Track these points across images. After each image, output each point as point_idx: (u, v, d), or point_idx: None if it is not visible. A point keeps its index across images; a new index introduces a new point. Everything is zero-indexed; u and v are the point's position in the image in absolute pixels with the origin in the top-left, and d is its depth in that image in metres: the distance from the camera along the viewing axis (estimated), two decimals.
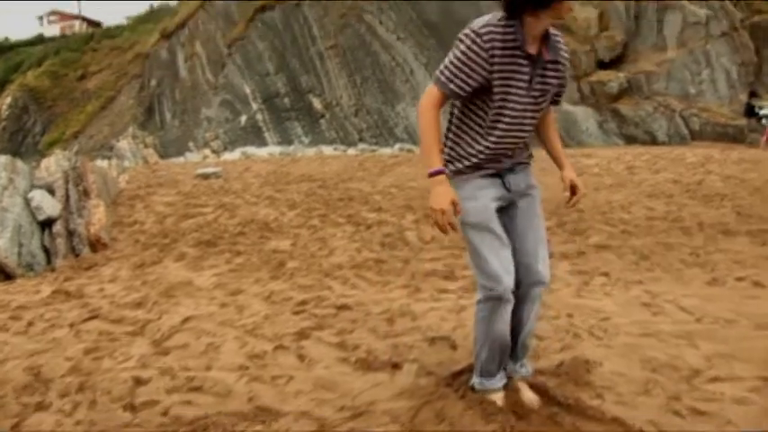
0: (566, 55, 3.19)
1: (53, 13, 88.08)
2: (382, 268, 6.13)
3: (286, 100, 31.47)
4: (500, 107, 3.04)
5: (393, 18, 28.49)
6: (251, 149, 24.20)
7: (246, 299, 5.29)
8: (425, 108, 3.05)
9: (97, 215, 7.91)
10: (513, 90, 3.02)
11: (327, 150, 22.31)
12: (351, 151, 21.46)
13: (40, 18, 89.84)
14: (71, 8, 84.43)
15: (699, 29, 24.02)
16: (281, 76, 31.89)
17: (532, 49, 3.03)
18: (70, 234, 7.55)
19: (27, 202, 7.54)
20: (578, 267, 6.10)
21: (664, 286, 5.41)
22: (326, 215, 8.59)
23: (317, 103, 30.45)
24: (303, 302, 5.09)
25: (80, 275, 6.61)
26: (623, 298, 5.09)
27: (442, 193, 2.95)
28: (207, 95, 35.93)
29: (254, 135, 31.14)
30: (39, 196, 7.62)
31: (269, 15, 32.70)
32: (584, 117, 23.56)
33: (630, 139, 22.84)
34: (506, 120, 3.07)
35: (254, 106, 32.31)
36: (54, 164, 8.68)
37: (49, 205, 7.58)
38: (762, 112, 22.40)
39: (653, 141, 22.29)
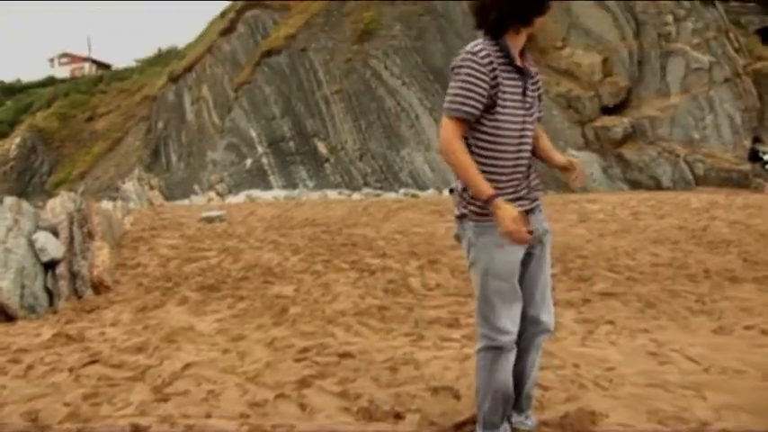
0: (535, 71, 3.26)
1: (64, 55, 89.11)
2: (385, 315, 6.08)
3: (291, 144, 31.64)
4: (502, 122, 3.08)
5: (398, 63, 28.76)
6: (256, 193, 24.28)
7: (248, 345, 5.24)
8: (448, 141, 3.05)
9: (101, 257, 7.89)
10: (510, 103, 3.08)
11: (332, 194, 22.36)
12: (355, 196, 21.49)
13: (51, 60, 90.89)
14: (82, 50, 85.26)
15: (702, 75, 24.20)
16: (286, 119, 32.11)
17: (519, 63, 3.13)
18: (73, 276, 7.52)
19: (31, 243, 7.52)
20: (583, 315, 6.05)
21: (670, 335, 5.36)
22: (330, 260, 8.55)
23: (322, 148, 30.60)
24: (305, 350, 5.04)
25: (82, 318, 6.57)
26: (629, 347, 5.04)
27: (509, 214, 2.93)
28: (213, 138, 36.15)
29: (259, 178, 31.25)
30: (43, 238, 7.60)
31: (275, 60, 33.03)
32: (589, 162, 23.60)
33: (635, 185, 22.86)
34: (510, 135, 3.10)
35: (260, 150, 32.47)
36: (59, 205, 8.68)
37: (53, 247, 7.56)
38: (766, 158, 22.44)
39: (657, 186, 22.31)
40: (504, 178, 3.11)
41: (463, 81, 3.04)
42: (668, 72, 24.54)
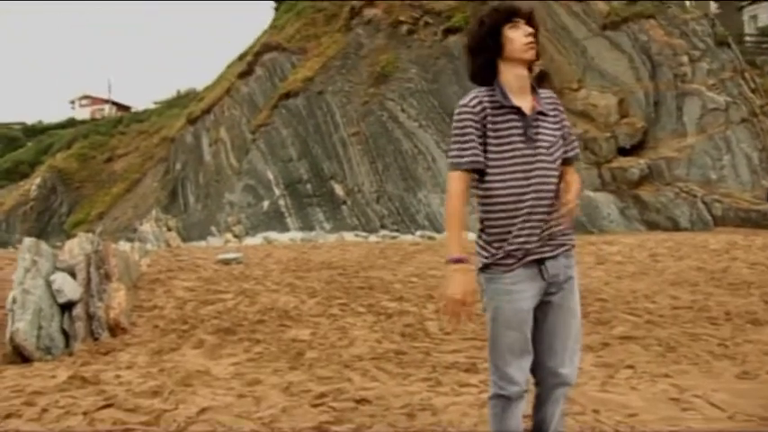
0: (552, 108, 3.18)
1: (84, 97, 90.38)
2: (403, 360, 6.03)
3: (308, 186, 31.73)
4: (502, 167, 3.03)
5: (415, 106, 28.91)
6: (273, 234, 24.30)
7: (264, 390, 5.20)
8: (448, 195, 3.11)
9: (117, 299, 7.89)
10: (509, 147, 3.03)
11: (349, 236, 22.33)
12: (372, 238, 21.45)
13: (72, 102, 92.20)
14: (102, 92, 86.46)
15: (718, 115, 24.16)
16: (303, 162, 32.25)
17: (519, 102, 3.06)
18: (90, 318, 7.51)
19: (49, 284, 7.53)
20: (603, 359, 5.97)
21: (692, 380, 5.27)
22: (347, 304, 8.51)
23: (338, 190, 30.66)
24: (322, 395, 4.99)
25: (97, 360, 6.55)
26: (650, 392, 4.96)
27: (460, 282, 2.94)
28: (230, 180, 36.33)
29: (276, 220, 31.30)
30: (60, 279, 7.62)
31: (293, 102, 33.28)
32: (606, 203, 23.52)
33: (652, 226, 22.71)
34: (513, 178, 3.03)
35: (277, 192, 32.58)
36: (77, 246, 8.70)
37: (71, 288, 7.57)
38: None
39: (675, 227, 22.14)
40: (515, 223, 3.04)
41: (457, 133, 3.06)
42: (684, 113, 24.52)
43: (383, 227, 27.85)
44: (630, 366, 5.71)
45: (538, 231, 3.07)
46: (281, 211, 31.95)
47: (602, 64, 25.45)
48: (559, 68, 26.03)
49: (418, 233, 23.45)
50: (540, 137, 3.07)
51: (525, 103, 3.09)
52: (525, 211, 3.04)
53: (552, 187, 3.09)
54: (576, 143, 3.27)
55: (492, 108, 3.05)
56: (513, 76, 3.11)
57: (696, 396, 4.79)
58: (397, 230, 26.31)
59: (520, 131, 3.04)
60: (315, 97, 32.52)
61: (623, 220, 23.26)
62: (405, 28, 30.63)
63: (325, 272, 11.06)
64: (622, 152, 24.45)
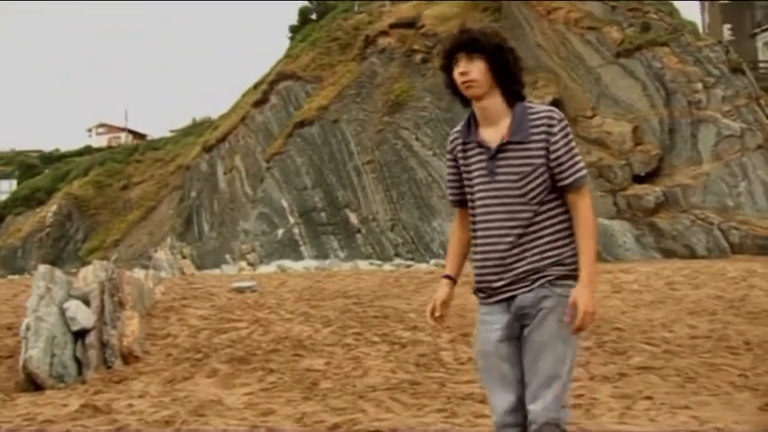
0: (539, 132, 2.95)
1: (101, 125, 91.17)
2: (417, 390, 5.96)
3: (323, 214, 31.76)
4: (473, 205, 3.01)
5: (429, 134, 28.97)
6: (287, 263, 24.29)
7: (277, 420, 5.14)
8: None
9: (131, 327, 7.87)
10: (476, 180, 2.98)
11: (363, 265, 22.29)
12: (386, 266, 21.40)
13: (89, 130, 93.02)
14: (119, 120, 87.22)
15: (734, 142, 24.04)
16: (318, 190, 32.32)
17: (486, 134, 2.97)
18: (103, 345, 7.50)
19: (62, 311, 7.53)
20: (620, 390, 5.88)
21: (713, 411, 5.17)
22: (361, 333, 8.45)
23: (353, 218, 30.67)
24: (336, 426, 4.93)
25: (110, 389, 6.52)
26: (669, 424, 4.87)
27: (436, 291, 3.26)
28: (245, 208, 36.42)
29: (290, 249, 31.31)
30: (74, 306, 7.62)
31: (307, 131, 33.42)
32: (621, 231, 23.38)
33: (669, 253, 22.52)
34: (480, 218, 2.99)
35: (291, 220, 32.62)
36: (91, 274, 8.70)
37: (84, 316, 7.56)
38: None
39: (692, 255, 21.95)
40: (477, 259, 3.04)
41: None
42: (699, 140, 24.41)
43: (397, 255, 27.79)
44: (649, 397, 5.62)
45: (499, 270, 2.97)
46: (296, 240, 31.96)
47: (617, 91, 25.44)
48: (573, 96, 26.05)
49: (433, 262, 23.37)
50: (504, 170, 2.94)
51: (494, 134, 2.97)
52: (481, 248, 3.01)
53: (522, 222, 2.94)
54: (573, 170, 2.96)
55: (461, 143, 3.04)
56: (477, 109, 3.04)
57: (717, 429, 4.71)
58: (412, 259, 26.24)
59: (482, 165, 2.97)
60: (329, 126, 32.66)
61: (639, 248, 23.10)
62: (419, 57, 30.81)
63: (340, 301, 11.01)
64: (637, 180, 24.35)
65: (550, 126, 2.96)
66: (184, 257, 33.13)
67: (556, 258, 2.96)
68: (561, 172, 2.95)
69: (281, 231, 32.37)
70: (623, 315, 9.54)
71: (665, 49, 25.17)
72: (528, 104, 3.04)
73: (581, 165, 2.97)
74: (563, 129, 2.97)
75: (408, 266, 21.42)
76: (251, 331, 8.61)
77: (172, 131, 70.29)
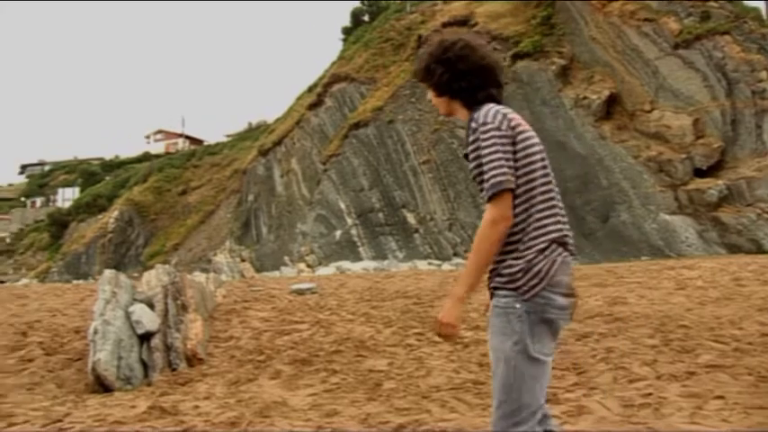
0: (471, 139, 2.97)
1: (159, 132, 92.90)
2: (481, 390, 5.89)
3: (380, 215, 31.85)
4: None
5: None
6: (345, 264, 24.40)
7: (342, 421, 5.13)
8: None
9: (194, 330, 7.95)
10: None
11: (421, 265, 22.25)
12: (445, 266, 21.33)
13: (147, 137, 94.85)
14: (176, 127, 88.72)
15: None
16: (375, 191, 32.40)
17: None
18: (168, 348, 7.59)
19: (128, 315, 7.64)
20: (689, 389, 5.72)
21: None
22: (423, 333, 8.40)
23: (410, 218, 30.69)
24: (401, 426, 4.90)
25: (176, 391, 6.59)
26: (744, 425, 4.71)
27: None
28: (302, 210, 36.71)
29: (348, 250, 31.46)
30: (139, 310, 7.72)
31: (363, 132, 33.54)
32: (683, 227, 22.94)
33: (734, 249, 21.99)
34: None
35: (349, 221, 32.78)
36: (154, 278, 8.83)
37: (149, 319, 7.66)
38: None
39: (758, 250, 21.39)
40: None
41: None
42: (765, 130, 23.74)
43: (456, 254, 27.70)
44: (720, 397, 5.45)
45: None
46: (354, 241, 32.08)
47: (675, 84, 24.90)
48: (631, 90, 25.62)
49: None
50: (475, 178, 3.02)
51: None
52: None
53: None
54: (487, 182, 2.90)
55: None
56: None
57: None
58: None
59: None
60: (385, 126, 32.71)
61: (702, 243, 22.59)
62: None
63: (400, 301, 10.98)
64: (699, 173, 23.80)
65: (475, 135, 2.96)
66: (243, 260, 33.50)
67: (496, 269, 2.96)
68: (480, 183, 2.97)
69: (338, 233, 32.53)
70: (689, 312, 9.32)
71: (727, 38, 24.53)
72: (476, 112, 3.01)
73: (491, 176, 2.87)
74: (482, 138, 2.92)
75: None
76: (313, 333, 8.63)
77: (228, 136, 71.29)
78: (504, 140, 2.88)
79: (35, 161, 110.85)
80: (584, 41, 27.33)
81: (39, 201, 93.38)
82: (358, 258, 29.66)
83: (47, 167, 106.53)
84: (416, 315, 9.60)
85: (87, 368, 7.03)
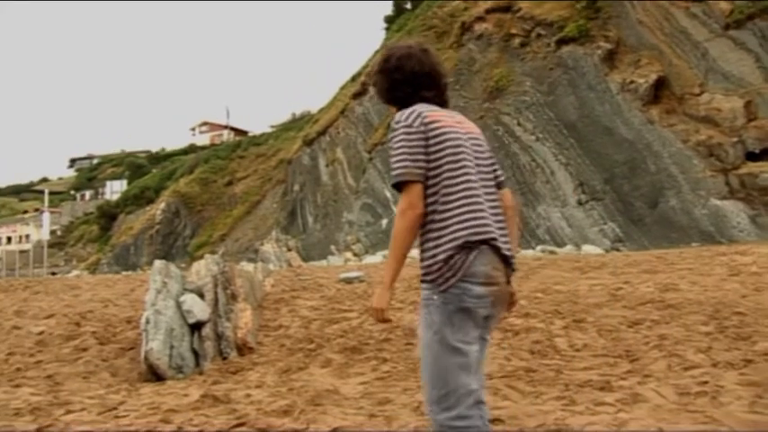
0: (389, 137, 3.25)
1: (203, 123, 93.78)
2: (533, 378, 5.84)
3: None
4: None
5: (531, 119, 28.53)
6: None
7: (395, 409, 5.12)
8: None
9: (244, 319, 8.01)
10: None
11: None
12: None
13: (192, 129, 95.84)
14: (220, 118, 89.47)
15: None
16: None
17: None
18: (218, 337, 7.66)
19: (179, 305, 7.72)
20: (748, 378, 5.59)
21: None
22: None
23: None
24: None
25: (227, 379, 6.65)
26: None
27: None
28: (348, 199, 36.80)
29: None
30: (189, 300, 7.80)
31: None
32: (735, 212, 22.45)
33: None
34: None
35: (395, 210, 32.73)
36: (204, 268, 8.90)
37: (199, 309, 7.73)
38: None
39: None
40: None
41: None
42: None
43: None
44: None
45: None
46: None
47: (726, 66, 24.29)
48: (680, 74, 25.12)
49: (539, 248, 23.03)
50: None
51: None
52: None
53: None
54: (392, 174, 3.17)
55: None
56: None
57: None
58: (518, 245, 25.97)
59: None
60: None
61: (755, 228, 22.09)
62: (517, 41, 30.32)
63: None
64: (751, 157, 23.23)
65: (391, 134, 3.24)
66: (290, 250, 33.66)
67: (420, 259, 3.14)
68: None
69: (384, 221, 32.54)
70: (744, 299, 9.12)
71: None
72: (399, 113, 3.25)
73: (394, 168, 3.11)
74: (393, 135, 3.17)
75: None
76: (362, 321, 8.63)
77: (272, 127, 71.70)
78: (412, 137, 3.09)
79: (84, 155, 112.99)
80: (631, 24, 26.86)
81: (88, 194, 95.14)
82: None
83: (95, 161, 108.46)
84: None
85: (140, 357, 7.13)
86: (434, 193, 3.08)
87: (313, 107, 59.35)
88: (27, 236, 79.82)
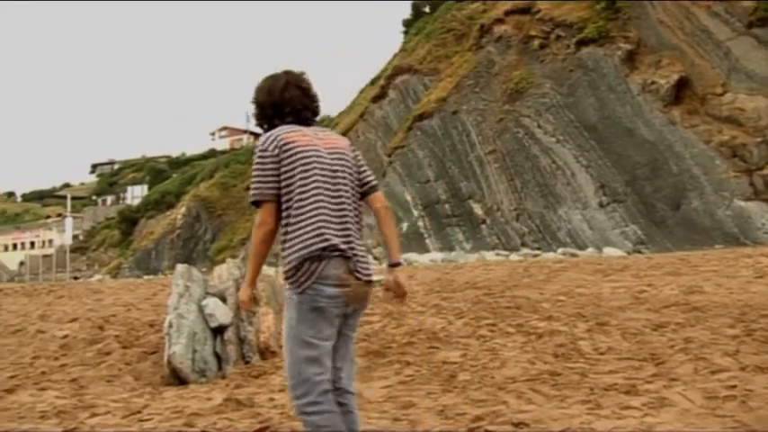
0: None
1: (223, 128, 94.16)
2: (558, 381, 5.78)
3: (447, 206, 31.72)
4: None
5: (551, 121, 28.42)
6: (413, 256, 24.32)
7: (419, 413, 5.09)
8: None
9: (266, 323, 8.00)
10: None
11: (489, 256, 22.07)
12: (513, 257, 21.11)
13: (212, 134, 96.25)
14: (240, 123, 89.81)
15: None
16: (440, 182, 32.28)
17: None
18: (241, 341, 7.66)
19: (201, 309, 7.72)
20: None
21: None
22: (495, 324, 8.30)
23: (477, 209, 30.49)
24: (478, 418, 4.83)
25: (250, 383, 6.64)
26: None
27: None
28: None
29: (415, 242, 31.40)
30: (212, 304, 7.79)
31: (427, 123, 33.41)
32: (759, 213, 22.24)
33: None
34: None
35: (415, 213, 32.73)
36: (225, 272, 8.89)
37: (222, 312, 7.72)
38: None
39: None
40: None
41: None
42: None
43: (524, 245, 27.44)
44: None
45: None
46: (421, 233, 32.02)
47: (749, 65, 24.05)
48: (701, 74, 24.93)
49: (560, 250, 22.93)
50: None
51: None
52: None
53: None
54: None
55: None
56: None
57: None
58: (539, 248, 25.84)
59: None
60: (449, 117, 32.54)
61: None
62: (536, 42, 30.25)
63: (470, 292, 10.90)
64: None
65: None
66: None
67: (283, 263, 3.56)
68: None
69: (405, 225, 32.52)
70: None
71: None
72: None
73: (252, 188, 3.58)
74: (254, 158, 3.61)
75: (536, 256, 21.09)
76: (384, 324, 8.61)
77: None
78: (266, 160, 3.52)
79: (105, 160, 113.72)
80: (651, 25, 26.70)
81: (109, 199, 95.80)
82: (425, 250, 29.58)
83: (116, 166, 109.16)
84: (488, 306, 9.50)
85: (163, 361, 7.15)
86: (288, 207, 3.48)
87: (332, 111, 59.46)
88: (50, 241, 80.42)
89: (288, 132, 3.59)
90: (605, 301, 9.46)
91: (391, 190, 34.59)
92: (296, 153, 3.52)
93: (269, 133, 3.60)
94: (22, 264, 69.01)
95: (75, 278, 48.15)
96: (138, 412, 5.63)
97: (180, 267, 8.62)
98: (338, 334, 3.54)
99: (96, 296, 12.49)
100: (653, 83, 25.52)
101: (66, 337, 8.73)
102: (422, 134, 33.65)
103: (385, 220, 3.81)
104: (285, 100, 3.70)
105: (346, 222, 3.56)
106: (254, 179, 3.55)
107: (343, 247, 3.46)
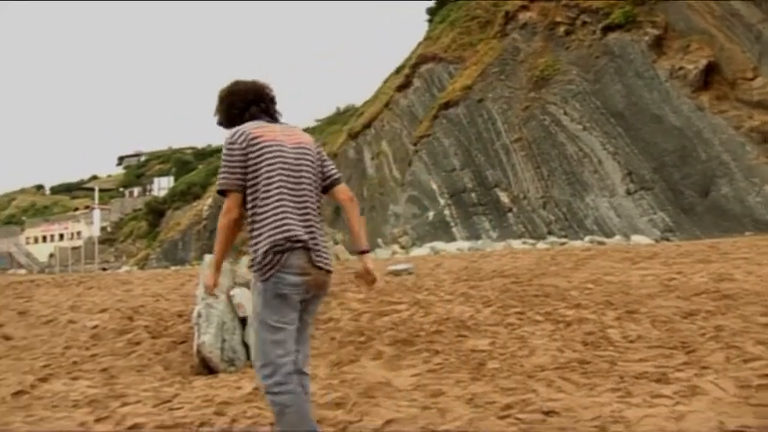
0: None
1: None
2: (587, 369, 5.75)
3: (473, 195, 31.60)
4: None
5: (578, 108, 28.19)
6: (439, 245, 24.26)
7: (448, 401, 5.09)
8: None
9: None
10: None
11: (516, 244, 21.94)
12: (540, 245, 20.98)
13: None
14: None
15: None
16: (466, 171, 32.17)
17: None
18: None
19: (229, 299, 7.77)
20: None
21: None
22: (523, 312, 8.27)
23: (503, 197, 30.35)
24: (508, 406, 4.82)
25: None
26: None
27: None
28: (394, 192, 36.78)
29: (441, 231, 31.35)
30: (239, 294, 7.84)
31: (453, 112, 33.29)
32: None
33: None
34: None
35: (442, 202, 32.66)
36: None
37: (249, 303, 7.76)
38: None
39: None
40: None
41: None
42: None
43: (550, 233, 27.28)
44: None
45: None
46: (447, 221, 31.96)
47: None
48: (731, 58, 24.56)
49: (587, 238, 22.76)
50: None
51: None
52: None
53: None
54: None
55: None
56: None
57: None
58: (565, 236, 25.67)
59: None
60: (475, 105, 32.39)
61: None
62: (562, 29, 29.98)
63: (498, 280, 10.86)
64: None
65: None
66: (337, 243, 33.75)
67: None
68: None
69: (431, 214, 32.47)
70: None
71: None
72: None
73: (219, 178, 3.84)
74: (223, 150, 3.86)
75: (563, 244, 20.95)
76: (412, 313, 8.61)
77: (317, 121, 71.77)
78: (234, 152, 3.76)
79: (132, 152, 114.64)
80: (679, 9, 26.34)
81: (136, 190, 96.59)
82: (451, 239, 29.49)
83: (143, 158, 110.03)
84: (515, 294, 9.46)
85: (192, 351, 7.21)
86: (255, 199, 3.72)
87: (357, 101, 59.37)
88: (78, 232, 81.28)
89: (255, 128, 3.84)
90: (634, 288, 9.39)
91: (417, 179, 34.53)
92: (262, 147, 3.76)
93: (238, 127, 3.85)
94: (51, 255, 69.79)
95: (104, 269, 48.62)
96: (169, 401, 5.68)
97: (208, 257, 8.66)
98: (299, 319, 3.77)
99: (125, 287, 12.59)
100: (681, 68, 25.19)
101: (96, 327, 8.82)
102: (447, 122, 33.53)
103: (350, 211, 4.06)
104: (256, 95, 4.04)
105: (308, 215, 3.79)
106: (221, 169, 3.78)
107: (305, 238, 3.69)
